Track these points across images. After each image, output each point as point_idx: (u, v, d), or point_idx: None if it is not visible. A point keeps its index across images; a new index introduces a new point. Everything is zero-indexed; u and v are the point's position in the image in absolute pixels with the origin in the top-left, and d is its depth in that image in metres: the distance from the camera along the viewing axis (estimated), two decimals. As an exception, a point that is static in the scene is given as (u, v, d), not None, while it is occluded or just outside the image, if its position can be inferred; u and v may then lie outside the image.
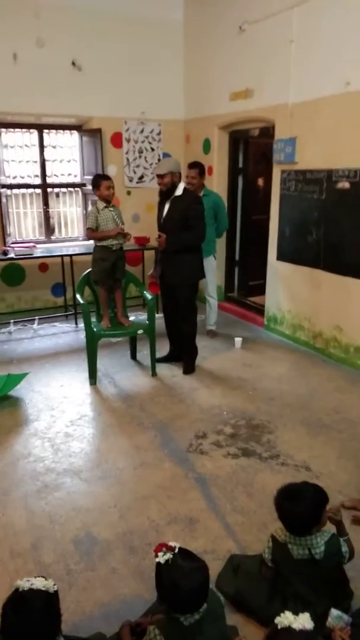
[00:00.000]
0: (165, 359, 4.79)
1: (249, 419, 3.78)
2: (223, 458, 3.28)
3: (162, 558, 1.63)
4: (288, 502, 1.99)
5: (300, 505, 1.96)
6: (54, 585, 1.59)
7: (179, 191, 4.29)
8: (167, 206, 4.35)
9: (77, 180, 6.57)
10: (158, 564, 1.63)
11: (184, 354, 4.67)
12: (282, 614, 1.49)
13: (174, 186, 4.26)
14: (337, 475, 3.07)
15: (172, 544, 1.66)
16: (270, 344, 5.33)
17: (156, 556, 1.64)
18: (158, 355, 4.65)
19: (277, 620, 1.48)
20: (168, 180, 4.22)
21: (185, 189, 4.35)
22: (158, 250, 4.52)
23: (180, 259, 4.35)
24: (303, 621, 1.45)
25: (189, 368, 4.61)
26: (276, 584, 2.11)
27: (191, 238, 4.32)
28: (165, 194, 4.32)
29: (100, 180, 4.27)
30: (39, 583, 1.56)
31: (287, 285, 5.33)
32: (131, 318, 4.78)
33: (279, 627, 1.46)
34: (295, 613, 1.94)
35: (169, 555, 1.63)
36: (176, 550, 1.65)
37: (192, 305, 4.55)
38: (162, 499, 2.89)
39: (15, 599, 1.54)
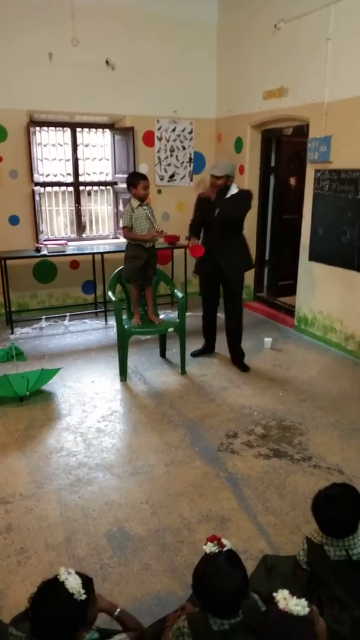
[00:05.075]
0: (200, 352, 4.95)
1: (279, 420, 3.75)
2: (254, 458, 3.27)
3: (209, 548, 1.64)
4: (327, 509, 1.95)
5: (340, 511, 1.92)
6: (84, 594, 1.55)
7: (233, 191, 4.32)
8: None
9: (109, 178, 6.62)
10: (205, 553, 1.64)
11: (237, 353, 4.72)
12: (279, 591, 1.45)
13: (227, 188, 4.29)
14: (371, 479, 3.03)
15: (224, 541, 1.65)
16: (301, 346, 5.28)
17: (205, 544, 1.65)
18: (189, 351, 4.69)
19: (274, 594, 1.46)
20: (222, 182, 4.25)
21: (240, 189, 4.40)
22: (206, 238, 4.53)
23: (234, 246, 4.44)
24: (290, 603, 1.40)
25: (247, 367, 4.68)
26: (311, 587, 2.09)
27: (233, 209, 4.28)
28: (217, 195, 4.30)
29: (138, 179, 4.26)
30: (72, 583, 1.54)
31: (319, 286, 5.27)
32: (161, 316, 4.80)
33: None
34: (332, 615, 1.93)
35: (215, 549, 1.63)
36: (225, 548, 1.64)
37: (241, 299, 4.71)
38: (193, 497, 2.89)
39: (47, 584, 1.57)
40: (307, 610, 1.42)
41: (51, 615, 1.52)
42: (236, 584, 1.61)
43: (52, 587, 1.55)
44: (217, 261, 4.43)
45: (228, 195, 4.30)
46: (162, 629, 1.93)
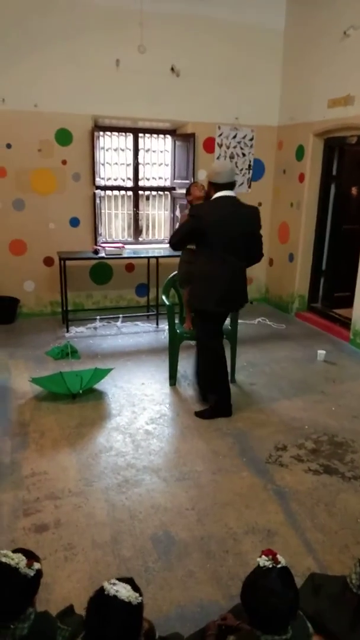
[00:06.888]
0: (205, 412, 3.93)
1: (331, 435, 3.66)
2: (304, 473, 3.20)
3: (262, 561, 1.61)
4: None
5: None
6: (138, 596, 1.54)
7: None
8: None
9: (167, 184, 6.69)
10: (258, 566, 1.62)
11: (199, 384, 4.15)
12: None
13: (208, 198, 3.77)
14: None
15: (280, 557, 1.62)
16: (356, 360, 5.12)
17: (260, 556, 1.62)
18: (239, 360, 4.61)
19: None
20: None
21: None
22: None
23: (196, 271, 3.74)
24: None
25: (202, 412, 3.90)
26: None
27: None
28: None
29: (188, 186, 4.45)
30: (124, 592, 1.52)
31: (377, 300, 5.11)
32: (213, 322, 4.77)
33: None
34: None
35: (269, 564, 1.60)
36: (279, 565, 1.61)
37: (205, 337, 3.87)
38: (240, 507, 2.86)
39: (99, 602, 1.53)
40: None
41: (114, 624, 1.49)
42: (285, 604, 1.56)
43: (109, 606, 1.51)
44: None
45: None
46: (202, 637, 1.92)
